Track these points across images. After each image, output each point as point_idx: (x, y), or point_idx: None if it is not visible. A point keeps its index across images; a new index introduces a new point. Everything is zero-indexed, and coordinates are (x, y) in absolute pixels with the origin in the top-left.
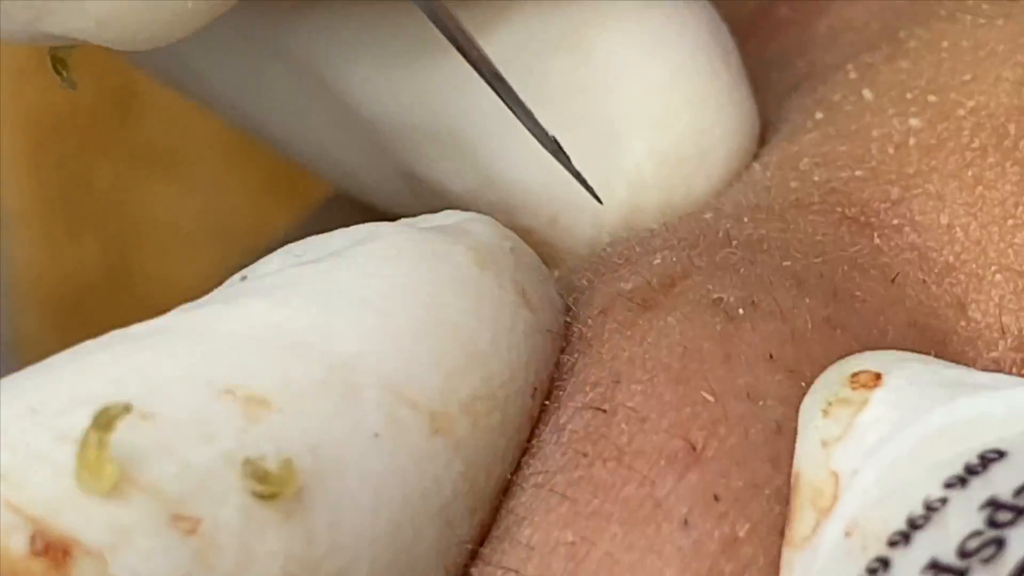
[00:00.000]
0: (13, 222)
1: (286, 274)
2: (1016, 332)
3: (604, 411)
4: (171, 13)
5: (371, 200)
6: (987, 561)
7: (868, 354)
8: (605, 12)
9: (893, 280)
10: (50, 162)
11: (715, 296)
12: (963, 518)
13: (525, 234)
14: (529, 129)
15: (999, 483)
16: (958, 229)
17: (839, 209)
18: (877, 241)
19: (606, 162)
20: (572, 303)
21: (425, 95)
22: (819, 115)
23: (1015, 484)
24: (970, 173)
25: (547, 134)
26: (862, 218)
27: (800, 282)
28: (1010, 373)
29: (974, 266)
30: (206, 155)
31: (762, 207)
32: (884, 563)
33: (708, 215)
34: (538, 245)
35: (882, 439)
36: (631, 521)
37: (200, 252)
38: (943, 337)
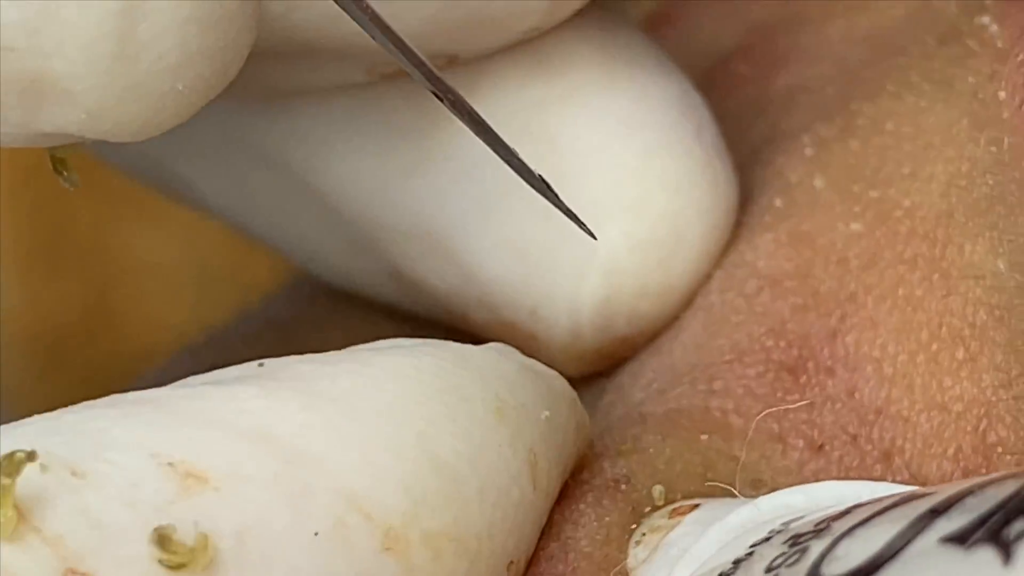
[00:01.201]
0: None
1: (293, 368)
2: (937, 479)
3: None
4: (162, 100)
5: (361, 295)
6: (792, 564)
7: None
8: (570, 95)
9: (820, 448)
10: (29, 201)
11: (622, 476)
12: (768, 554)
13: (510, 328)
14: (515, 169)
15: (800, 527)
16: (886, 364)
17: (774, 357)
18: (809, 393)
19: (580, 250)
20: None
21: (404, 194)
22: (777, 203)
23: (814, 521)
24: (901, 292)
25: (533, 173)
26: (797, 364)
27: (709, 468)
28: None
29: (900, 407)
30: None
31: (696, 369)
32: None
33: (639, 395)
34: (523, 339)
35: (685, 548)
36: None
37: (181, 292)
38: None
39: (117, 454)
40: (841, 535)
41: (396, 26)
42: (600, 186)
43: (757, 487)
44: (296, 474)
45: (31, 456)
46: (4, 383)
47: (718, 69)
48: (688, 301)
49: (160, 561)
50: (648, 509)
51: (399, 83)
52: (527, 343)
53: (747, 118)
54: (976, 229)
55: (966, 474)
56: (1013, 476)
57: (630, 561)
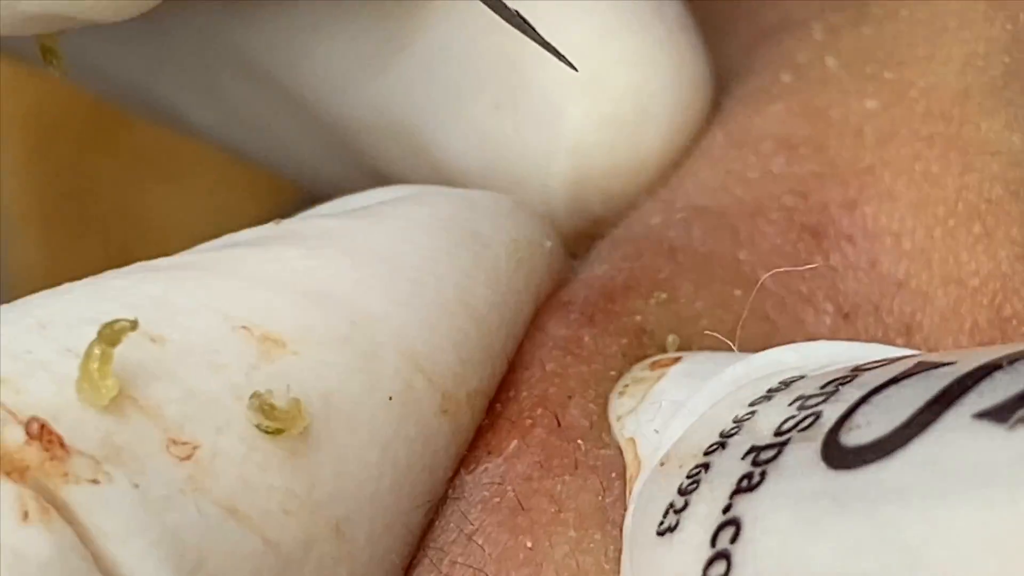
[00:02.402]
0: (13, 224)
1: (320, 224)
2: None
3: (560, 424)
4: None
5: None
6: (806, 429)
7: (675, 353)
8: None
9: (847, 316)
10: (50, 163)
11: (648, 329)
12: (775, 414)
13: None
14: (489, 5)
15: (804, 387)
16: (905, 238)
17: (796, 218)
18: (833, 260)
19: (546, 133)
20: None
21: (373, 90)
22: (786, 78)
23: (821, 383)
24: (918, 168)
25: (509, 9)
26: (819, 228)
27: (741, 326)
28: None
29: (919, 281)
30: (208, 155)
31: (714, 211)
32: (704, 467)
33: (656, 219)
34: None
35: (676, 400)
36: (583, 526)
37: None
38: None
39: (188, 319)
40: (857, 402)
41: None
42: (560, 67)
43: None
44: (364, 334)
45: (134, 325)
46: None
47: None
48: (664, 180)
49: (259, 426)
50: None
51: None
52: None
53: (758, 8)
54: (992, 106)
55: None
56: None
57: (617, 409)
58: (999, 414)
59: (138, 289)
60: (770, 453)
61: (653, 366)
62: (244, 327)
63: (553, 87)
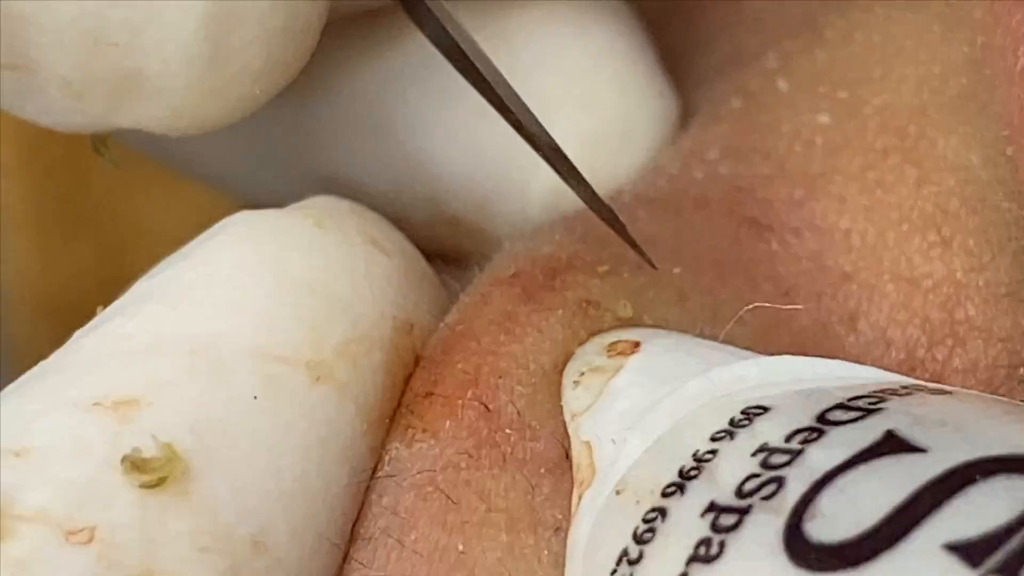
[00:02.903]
0: (7, 227)
1: (138, 289)
2: (902, 344)
3: (489, 410)
4: (239, 102)
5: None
6: (768, 498)
7: (631, 328)
8: (522, 4)
9: (786, 293)
10: (45, 166)
11: (593, 300)
12: (737, 464)
13: (454, 225)
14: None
15: (767, 432)
16: (855, 235)
17: (738, 210)
18: (775, 247)
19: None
20: (462, 292)
21: (351, 90)
22: (735, 103)
23: (784, 432)
24: (871, 176)
25: (603, 202)
26: (763, 220)
27: (683, 297)
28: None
29: (868, 275)
30: None
31: (659, 200)
32: (661, 513)
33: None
34: (468, 234)
35: (635, 406)
36: (515, 529)
37: None
38: (830, 356)
39: (43, 422)
40: (823, 479)
41: None
42: (553, 84)
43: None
44: (206, 356)
45: None
46: (18, 350)
47: None
48: None
49: (142, 485)
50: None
51: None
52: (472, 237)
53: (713, 40)
54: (949, 125)
55: (932, 344)
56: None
57: (572, 403)
58: (969, 554)
59: (5, 407)
60: (731, 519)
61: (611, 352)
62: (96, 403)
63: (543, 100)
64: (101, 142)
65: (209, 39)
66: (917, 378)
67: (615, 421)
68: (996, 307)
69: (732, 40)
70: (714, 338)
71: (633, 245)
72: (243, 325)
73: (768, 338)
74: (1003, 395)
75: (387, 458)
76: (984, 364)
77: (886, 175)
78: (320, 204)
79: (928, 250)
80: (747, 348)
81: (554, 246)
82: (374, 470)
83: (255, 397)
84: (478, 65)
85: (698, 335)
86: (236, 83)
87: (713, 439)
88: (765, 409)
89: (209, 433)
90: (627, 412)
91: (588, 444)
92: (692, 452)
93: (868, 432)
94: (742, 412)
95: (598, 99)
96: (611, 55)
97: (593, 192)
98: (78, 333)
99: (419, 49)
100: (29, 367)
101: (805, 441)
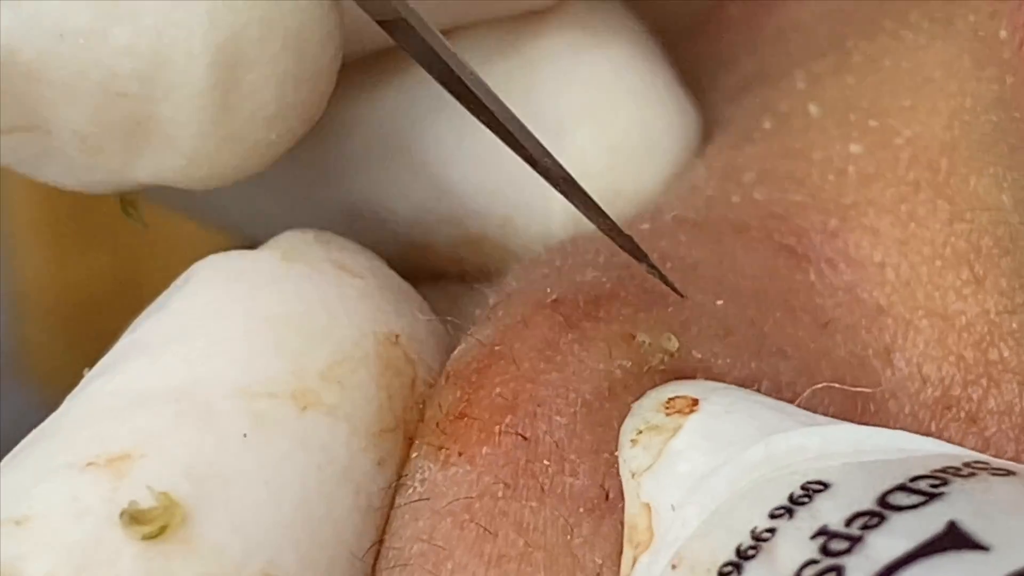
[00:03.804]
0: (22, 233)
1: (120, 346)
2: (938, 382)
3: (526, 439)
4: (256, 148)
5: None
6: None
7: (687, 382)
8: (539, 21)
9: (825, 326)
10: None
11: (638, 337)
12: (795, 547)
13: (477, 243)
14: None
15: (827, 513)
16: (889, 269)
17: (776, 237)
18: (812, 277)
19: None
20: (493, 307)
21: (374, 119)
22: (767, 124)
23: (844, 514)
24: (904, 208)
25: (626, 235)
26: (799, 249)
27: (728, 331)
28: (933, 423)
29: (902, 309)
30: None
31: (700, 224)
32: None
33: (645, 226)
34: (491, 251)
35: (695, 471)
36: (554, 570)
37: None
38: (870, 387)
39: (40, 488)
40: (882, 573)
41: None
42: (572, 98)
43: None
44: (192, 402)
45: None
46: (34, 356)
47: (709, 12)
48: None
49: (144, 537)
50: (655, 362)
51: None
52: (495, 254)
53: (736, 58)
54: (980, 164)
55: (967, 383)
56: None
57: (631, 463)
58: None
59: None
60: None
61: (668, 409)
62: (89, 463)
63: (563, 114)
64: (131, 204)
65: (218, 84)
66: (953, 417)
67: (674, 485)
68: None
69: (755, 57)
70: (761, 373)
71: (659, 275)
72: (224, 367)
73: (812, 371)
74: None
75: (419, 477)
76: (1020, 408)
77: (918, 208)
78: (285, 238)
79: (961, 287)
80: (792, 382)
81: (598, 271)
82: (397, 484)
83: (245, 435)
84: (490, 107)
85: (745, 370)
86: (250, 128)
87: (772, 516)
88: (826, 485)
89: (204, 477)
90: (686, 476)
91: (648, 506)
92: (751, 529)
93: (930, 521)
94: (802, 487)
95: (618, 112)
96: (630, 69)
97: (613, 222)
98: (68, 398)
99: None
100: (46, 373)
101: (865, 527)
